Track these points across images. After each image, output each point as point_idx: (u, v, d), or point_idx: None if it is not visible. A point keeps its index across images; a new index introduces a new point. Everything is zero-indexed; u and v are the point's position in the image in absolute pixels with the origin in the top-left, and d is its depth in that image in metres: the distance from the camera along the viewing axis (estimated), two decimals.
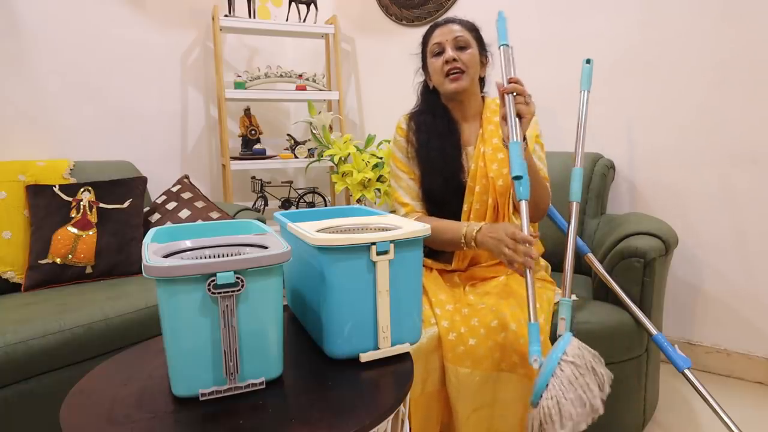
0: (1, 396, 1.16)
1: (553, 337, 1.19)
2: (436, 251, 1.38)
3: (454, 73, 1.29)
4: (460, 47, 1.29)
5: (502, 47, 1.20)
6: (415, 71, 1.46)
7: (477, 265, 1.33)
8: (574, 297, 1.33)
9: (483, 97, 1.41)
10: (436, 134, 1.34)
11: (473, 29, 1.34)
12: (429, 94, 1.41)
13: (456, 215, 1.32)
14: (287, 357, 0.87)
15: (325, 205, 2.73)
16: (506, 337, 1.07)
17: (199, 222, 1.64)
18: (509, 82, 1.14)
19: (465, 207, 1.30)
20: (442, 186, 1.32)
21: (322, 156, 2.49)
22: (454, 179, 1.32)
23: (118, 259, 1.71)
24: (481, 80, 1.41)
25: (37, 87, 2.00)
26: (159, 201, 1.96)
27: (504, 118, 1.13)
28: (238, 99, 2.55)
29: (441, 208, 1.32)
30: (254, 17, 2.49)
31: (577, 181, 1.43)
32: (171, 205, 1.91)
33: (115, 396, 0.77)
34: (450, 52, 1.28)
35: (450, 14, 1.39)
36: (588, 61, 1.51)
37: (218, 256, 0.87)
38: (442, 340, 1.11)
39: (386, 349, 0.88)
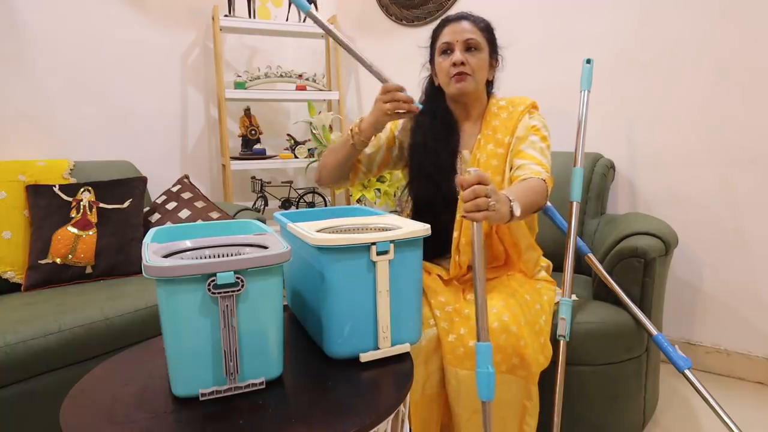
0: (1, 396, 1.16)
1: (554, 338, 1.19)
2: (430, 256, 1.31)
3: (459, 75, 1.22)
4: (470, 49, 1.22)
5: None
6: (419, 68, 1.39)
7: None
8: (574, 297, 1.33)
9: (489, 97, 1.35)
10: (432, 137, 1.28)
11: (486, 29, 1.26)
12: (433, 90, 1.35)
13: (447, 225, 1.25)
14: (287, 357, 0.87)
15: (325, 205, 2.73)
16: (507, 339, 1.07)
17: (199, 222, 1.64)
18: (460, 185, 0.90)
19: (458, 216, 1.24)
20: (433, 191, 1.26)
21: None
22: (445, 185, 1.26)
23: (118, 259, 1.71)
24: (489, 83, 1.34)
25: (37, 87, 2.00)
26: (159, 201, 1.96)
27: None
28: (238, 99, 2.55)
29: (428, 215, 1.16)
30: (254, 17, 2.49)
31: (577, 181, 1.43)
32: (171, 205, 1.91)
33: (115, 396, 0.77)
34: (458, 54, 1.21)
35: (469, 11, 1.31)
36: (588, 61, 1.51)
37: (218, 256, 0.87)
38: (442, 341, 1.11)
39: (386, 349, 0.87)
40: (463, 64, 1.21)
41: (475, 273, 0.92)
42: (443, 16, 1.31)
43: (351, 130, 1.23)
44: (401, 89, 1.15)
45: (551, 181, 1.18)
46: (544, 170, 1.17)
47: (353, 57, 1.27)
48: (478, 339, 0.91)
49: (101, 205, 1.74)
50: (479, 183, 0.88)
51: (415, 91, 1.41)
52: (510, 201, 0.97)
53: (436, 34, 1.30)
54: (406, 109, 1.16)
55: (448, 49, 1.24)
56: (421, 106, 1.17)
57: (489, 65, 1.28)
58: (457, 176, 0.97)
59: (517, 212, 0.98)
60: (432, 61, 1.33)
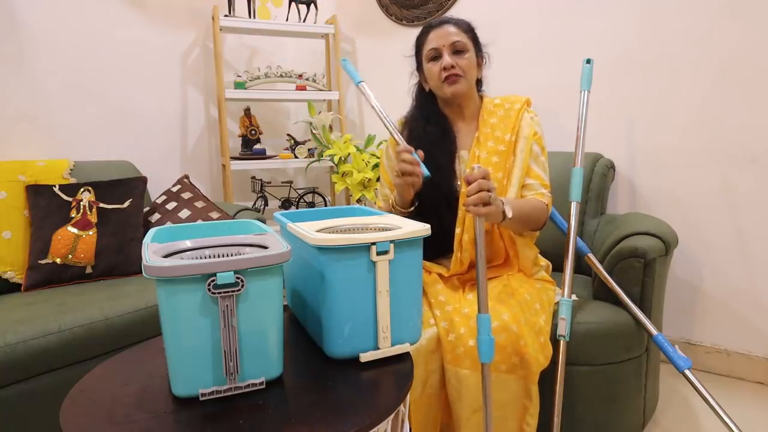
0: (1, 396, 1.16)
1: (554, 338, 1.19)
2: (433, 255, 1.33)
3: (451, 78, 1.25)
4: (458, 51, 1.26)
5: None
6: (411, 72, 1.42)
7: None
8: (574, 297, 1.33)
9: (481, 97, 1.37)
10: (427, 142, 1.29)
11: (469, 30, 1.30)
12: (424, 96, 1.37)
13: (450, 225, 1.26)
14: (287, 357, 0.87)
15: (325, 205, 2.73)
16: (506, 338, 1.07)
17: (199, 222, 1.64)
18: (467, 181, 1.02)
19: (460, 214, 1.25)
20: (433, 193, 1.27)
21: (322, 156, 2.49)
22: (445, 185, 1.28)
23: (118, 259, 1.71)
24: (479, 81, 1.37)
25: (37, 87, 2.00)
26: (159, 201, 1.96)
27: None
28: (238, 99, 2.55)
29: (431, 217, 1.17)
30: (254, 17, 2.49)
31: (577, 181, 1.43)
32: (171, 205, 1.91)
33: (115, 396, 0.77)
34: (447, 58, 1.24)
35: (449, 15, 1.35)
36: (588, 61, 1.51)
37: (218, 256, 0.87)
38: (442, 341, 1.11)
39: (386, 349, 0.87)
40: (453, 66, 1.25)
41: (477, 252, 1.01)
42: (425, 24, 1.35)
43: (392, 205, 1.29)
44: (409, 151, 1.17)
45: (551, 202, 1.29)
46: (548, 191, 1.28)
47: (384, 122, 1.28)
48: (479, 311, 1.00)
49: (101, 205, 1.74)
50: (483, 178, 1.00)
51: (405, 98, 1.43)
52: (503, 204, 1.08)
53: (420, 42, 1.33)
54: (410, 171, 1.16)
55: (436, 55, 1.27)
56: (428, 174, 1.19)
57: (476, 64, 1.31)
58: (464, 172, 1.05)
59: (509, 213, 1.09)
60: (419, 68, 1.36)
